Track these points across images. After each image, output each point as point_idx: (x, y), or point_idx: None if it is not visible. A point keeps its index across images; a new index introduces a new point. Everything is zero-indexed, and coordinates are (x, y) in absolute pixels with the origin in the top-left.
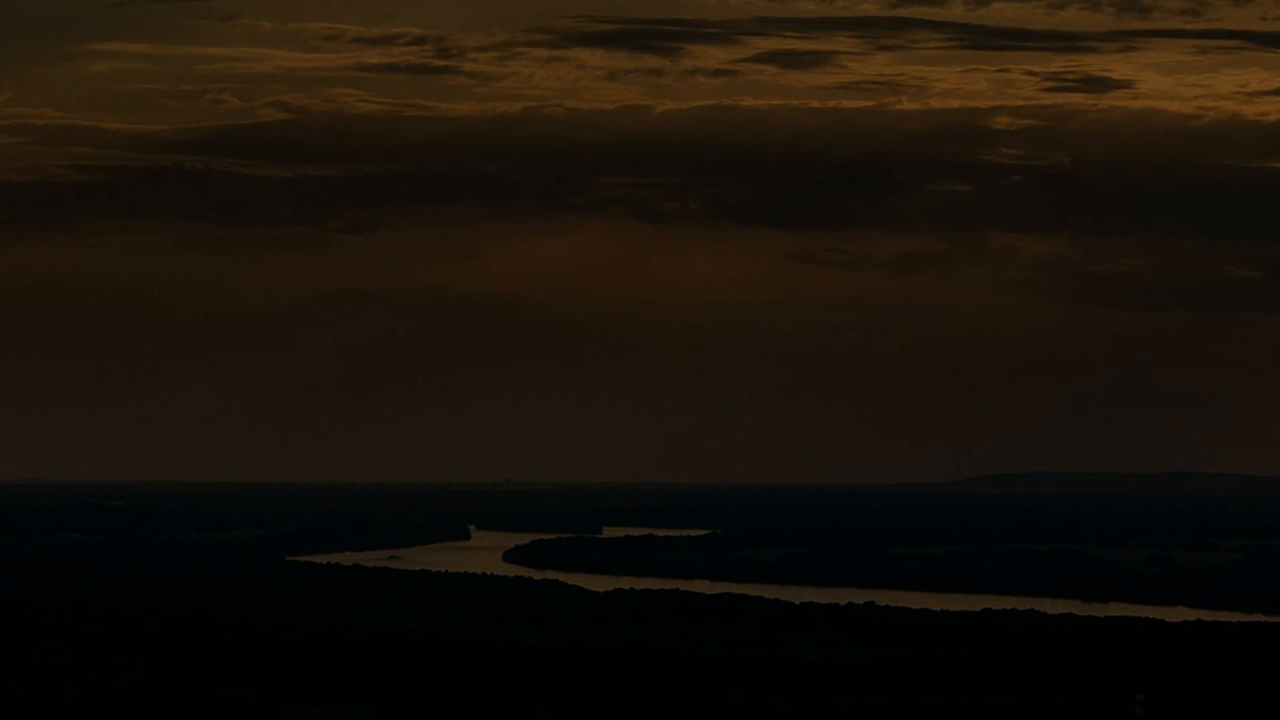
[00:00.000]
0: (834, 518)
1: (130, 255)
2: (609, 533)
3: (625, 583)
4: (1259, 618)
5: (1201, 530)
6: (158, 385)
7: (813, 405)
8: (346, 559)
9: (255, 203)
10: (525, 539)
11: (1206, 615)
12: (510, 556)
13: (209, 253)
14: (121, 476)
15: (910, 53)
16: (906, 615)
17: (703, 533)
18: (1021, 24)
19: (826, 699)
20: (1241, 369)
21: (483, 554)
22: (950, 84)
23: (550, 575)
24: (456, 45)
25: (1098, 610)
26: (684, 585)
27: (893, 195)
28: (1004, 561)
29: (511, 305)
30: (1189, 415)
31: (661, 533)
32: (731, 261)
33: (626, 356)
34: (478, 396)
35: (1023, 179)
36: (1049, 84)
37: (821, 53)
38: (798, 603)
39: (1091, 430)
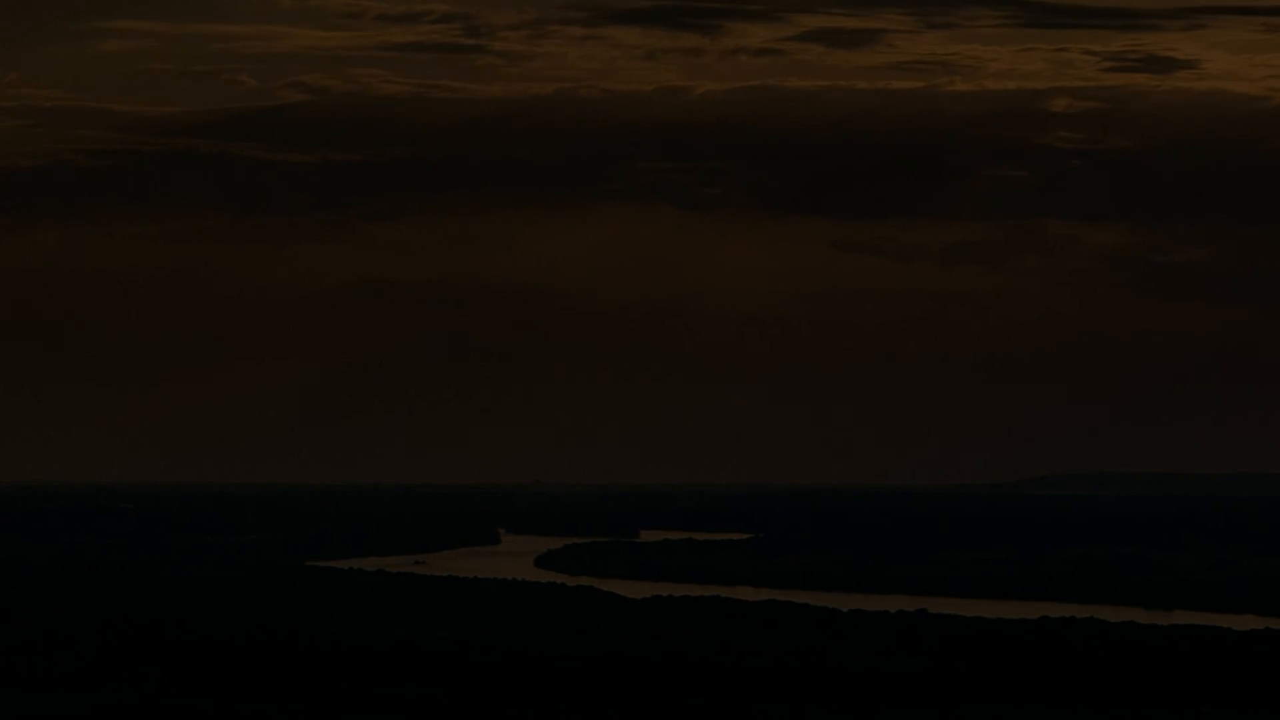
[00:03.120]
0: (883, 521)
1: (142, 244)
2: (646, 536)
3: (663, 589)
4: None
5: (1270, 534)
6: (171, 381)
7: (860, 402)
8: (370, 564)
9: (274, 189)
10: (558, 543)
11: (1275, 623)
12: (542, 562)
13: (225, 241)
14: (133, 477)
15: (963, 31)
16: (960, 623)
17: (745, 536)
18: (1081, 1)
19: (875, 711)
20: None
21: (513, 559)
22: (1006, 64)
23: (584, 581)
24: (486, 23)
25: (1161, 618)
26: (725, 592)
27: (945, 181)
28: (1062, 566)
29: (542, 296)
30: (1257, 413)
31: (701, 536)
32: (775, 250)
33: (664, 350)
34: (507, 393)
35: (1082, 164)
36: (1110, 64)
37: (870, 31)
38: (845, 610)
39: (1154, 429)
